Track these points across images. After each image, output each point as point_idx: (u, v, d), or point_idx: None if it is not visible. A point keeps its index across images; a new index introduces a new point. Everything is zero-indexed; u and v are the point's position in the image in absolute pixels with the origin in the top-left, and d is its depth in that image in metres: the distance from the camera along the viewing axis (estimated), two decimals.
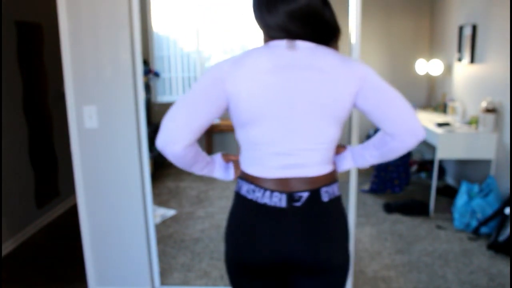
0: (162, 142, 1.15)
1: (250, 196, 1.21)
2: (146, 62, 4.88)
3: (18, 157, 3.22)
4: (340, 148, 1.37)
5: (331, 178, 1.24)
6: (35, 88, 3.45)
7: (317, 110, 1.14)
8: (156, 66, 5.26)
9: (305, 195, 1.18)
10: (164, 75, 5.34)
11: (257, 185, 1.20)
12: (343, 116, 1.18)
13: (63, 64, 2.12)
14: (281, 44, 1.14)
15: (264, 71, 1.11)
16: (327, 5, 1.17)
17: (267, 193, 1.19)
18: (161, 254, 2.89)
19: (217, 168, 1.36)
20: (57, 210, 3.73)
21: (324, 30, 1.17)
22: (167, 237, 3.21)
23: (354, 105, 1.19)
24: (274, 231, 1.19)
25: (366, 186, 4.18)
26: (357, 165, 1.37)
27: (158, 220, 3.50)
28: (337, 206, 1.25)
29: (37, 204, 3.44)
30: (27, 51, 3.31)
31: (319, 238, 1.20)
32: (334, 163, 1.30)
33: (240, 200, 1.25)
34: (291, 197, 1.18)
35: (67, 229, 3.42)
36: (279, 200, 1.18)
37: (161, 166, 4.85)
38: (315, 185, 1.20)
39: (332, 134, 1.19)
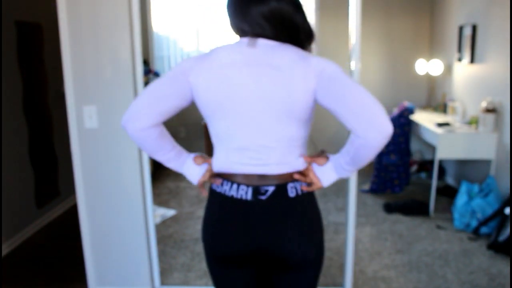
0: (125, 119, 1.22)
1: (219, 190, 1.26)
2: (146, 62, 4.88)
3: (18, 157, 3.22)
4: (322, 159, 1.29)
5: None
6: (35, 88, 3.44)
7: (272, 107, 1.15)
8: (156, 66, 5.26)
9: (271, 189, 1.21)
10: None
11: (225, 178, 1.25)
12: (302, 115, 1.17)
13: (63, 64, 2.12)
14: (243, 41, 1.18)
15: (224, 66, 1.15)
16: (299, 10, 1.19)
17: (234, 186, 1.22)
18: (161, 254, 2.89)
19: (186, 168, 1.36)
20: (57, 210, 3.72)
21: (294, 34, 1.19)
22: (167, 237, 3.21)
23: (317, 103, 1.16)
24: (241, 223, 1.22)
25: (366, 186, 4.18)
26: (340, 176, 1.29)
27: (158, 220, 3.50)
28: (305, 201, 1.25)
29: (37, 204, 3.44)
30: (27, 51, 3.31)
31: (285, 232, 1.22)
32: (305, 161, 1.26)
33: (211, 194, 1.30)
34: (256, 190, 1.21)
35: (67, 229, 3.42)
36: (245, 193, 1.21)
37: (161, 166, 4.84)
38: (281, 180, 1.22)
39: (292, 132, 1.18)
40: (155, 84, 1.21)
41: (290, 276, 1.29)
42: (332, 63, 1.15)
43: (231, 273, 1.31)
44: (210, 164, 1.33)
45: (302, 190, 1.24)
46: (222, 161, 1.26)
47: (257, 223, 1.21)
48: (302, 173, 1.25)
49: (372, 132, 1.08)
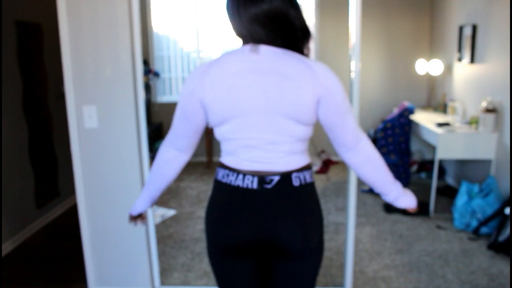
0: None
1: (225, 180, 1.28)
2: (146, 62, 4.88)
3: (18, 157, 3.22)
4: (410, 208, 1.44)
5: (301, 167, 1.28)
6: (35, 88, 3.44)
7: (280, 112, 1.19)
8: (156, 66, 5.25)
9: (276, 178, 1.24)
10: (164, 75, 5.34)
11: (231, 170, 1.27)
12: (308, 119, 1.22)
13: (63, 64, 2.12)
14: (246, 49, 1.20)
15: (229, 76, 1.18)
16: (293, 5, 1.18)
17: (240, 176, 1.25)
18: (161, 254, 2.89)
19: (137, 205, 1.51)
20: (57, 210, 3.72)
21: (291, 33, 1.19)
22: (167, 237, 3.20)
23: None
24: (247, 212, 1.25)
25: (366, 186, 4.18)
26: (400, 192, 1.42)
27: (158, 220, 3.50)
28: (308, 191, 1.29)
29: (36, 204, 3.43)
30: (27, 50, 3.30)
31: (290, 220, 1.25)
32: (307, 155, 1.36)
33: (216, 186, 1.33)
34: (262, 180, 1.24)
35: (67, 229, 3.42)
36: (251, 182, 1.24)
37: None
38: (285, 171, 1.25)
39: (300, 132, 1.23)
40: (176, 124, 1.32)
41: (292, 264, 1.31)
42: (337, 80, 1.21)
43: (235, 265, 1.32)
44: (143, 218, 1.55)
45: (305, 180, 1.27)
46: (230, 159, 1.28)
47: (263, 212, 1.24)
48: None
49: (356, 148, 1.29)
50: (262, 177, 1.24)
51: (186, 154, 1.38)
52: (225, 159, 1.30)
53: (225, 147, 1.30)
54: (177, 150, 1.37)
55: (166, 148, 1.38)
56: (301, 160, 1.28)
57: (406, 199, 1.39)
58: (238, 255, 1.30)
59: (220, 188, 1.30)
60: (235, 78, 1.17)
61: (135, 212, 1.51)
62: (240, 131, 1.22)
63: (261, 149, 1.23)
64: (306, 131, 1.25)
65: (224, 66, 1.19)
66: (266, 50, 1.18)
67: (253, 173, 1.24)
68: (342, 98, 1.22)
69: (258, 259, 1.34)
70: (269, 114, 1.19)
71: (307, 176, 1.29)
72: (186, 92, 1.25)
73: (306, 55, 1.25)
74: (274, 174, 1.24)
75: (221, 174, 1.30)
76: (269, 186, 1.24)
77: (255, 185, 1.24)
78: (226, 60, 1.20)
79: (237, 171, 1.25)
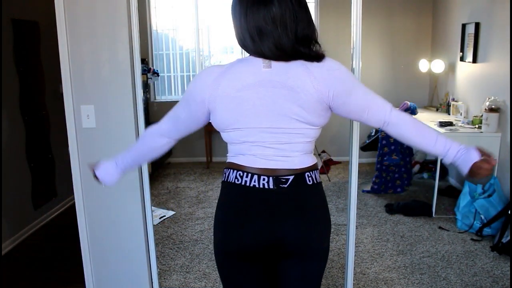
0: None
1: (238, 182, 1.26)
2: (144, 61, 4.85)
3: (15, 157, 3.19)
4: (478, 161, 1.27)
5: (312, 166, 1.30)
6: (32, 87, 3.41)
7: (292, 120, 1.21)
8: (155, 64, 5.22)
9: (290, 177, 1.24)
10: (163, 74, 5.31)
11: (244, 171, 1.25)
12: (321, 122, 1.24)
13: (60, 63, 2.09)
14: (257, 62, 1.19)
15: (240, 89, 1.18)
16: (301, 7, 1.18)
17: (255, 177, 1.24)
18: (160, 256, 2.86)
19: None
20: (54, 211, 3.69)
21: (297, 34, 1.18)
22: (166, 238, 3.18)
23: (337, 114, 1.26)
24: (264, 211, 1.24)
25: (368, 187, 4.14)
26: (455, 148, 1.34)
27: (157, 221, 3.46)
28: (320, 190, 1.32)
29: (34, 205, 3.40)
30: (24, 49, 3.27)
31: (307, 220, 1.25)
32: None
33: (228, 187, 1.29)
34: (277, 180, 1.23)
35: (65, 230, 3.39)
36: (267, 183, 1.23)
37: (159, 167, 4.82)
38: (298, 170, 1.26)
39: (313, 133, 1.26)
40: (179, 121, 1.33)
41: (303, 265, 1.30)
42: (336, 67, 1.21)
43: (246, 270, 1.31)
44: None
45: (316, 179, 1.29)
46: (242, 158, 1.26)
47: (280, 210, 1.23)
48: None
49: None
50: (278, 177, 1.23)
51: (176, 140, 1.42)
52: (237, 159, 1.27)
53: (235, 148, 1.28)
54: (171, 138, 1.40)
55: (162, 138, 1.40)
56: (311, 159, 1.30)
57: (471, 153, 1.29)
58: (250, 259, 1.28)
59: (234, 190, 1.27)
60: (246, 91, 1.18)
61: (111, 183, 1.53)
62: (253, 135, 1.22)
63: (276, 148, 1.23)
64: (318, 131, 1.28)
65: (236, 79, 1.18)
66: (276, 65, 1.18)
67: (268, 173, 1.23)
68: (347, 78, 1.22)
69: (267, 263, 1.33)
70: (282, 122, 1.20)
71: (316, 176, 1.30)
72: (197, 100, 1.24)
73: (318, 51, 1.22)
74: (289, 173, 1.24)
75: (233, 175, 1.27)
76: (285, 186, 1.23)
77: (271, 185, 1.23)
78: (239, 72, 1.19)
79: (251, 172, 1.24)
